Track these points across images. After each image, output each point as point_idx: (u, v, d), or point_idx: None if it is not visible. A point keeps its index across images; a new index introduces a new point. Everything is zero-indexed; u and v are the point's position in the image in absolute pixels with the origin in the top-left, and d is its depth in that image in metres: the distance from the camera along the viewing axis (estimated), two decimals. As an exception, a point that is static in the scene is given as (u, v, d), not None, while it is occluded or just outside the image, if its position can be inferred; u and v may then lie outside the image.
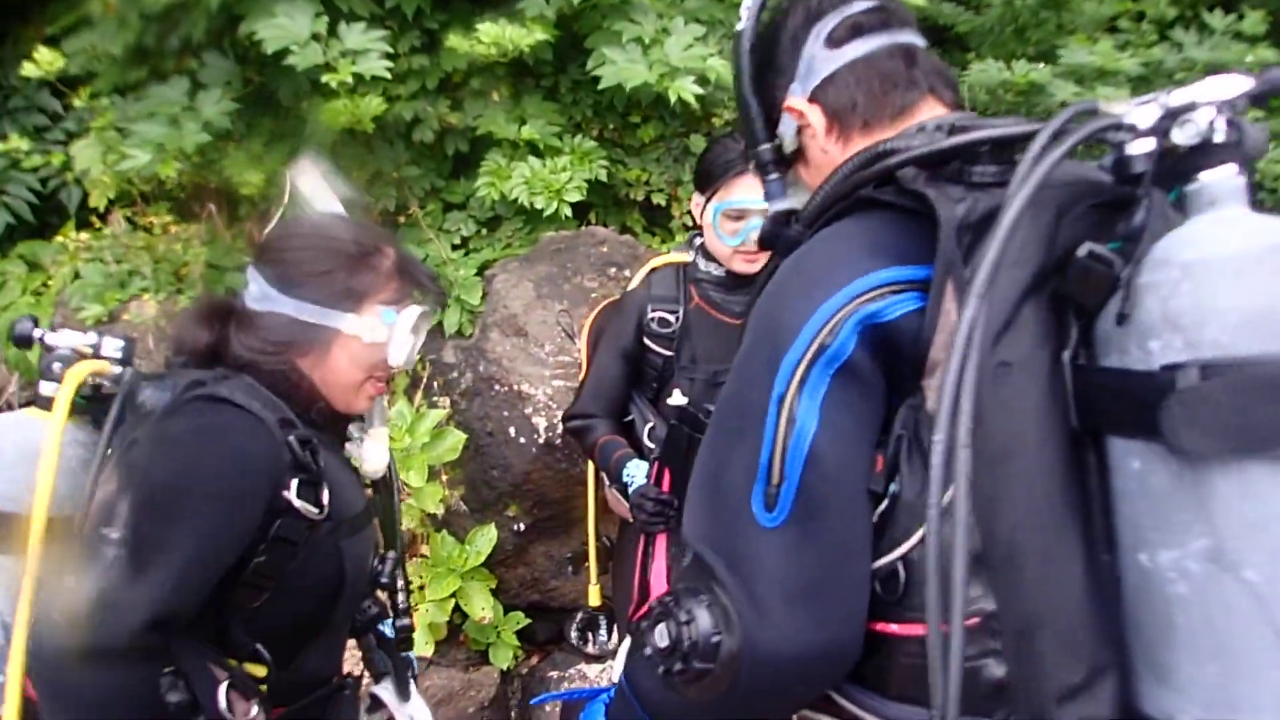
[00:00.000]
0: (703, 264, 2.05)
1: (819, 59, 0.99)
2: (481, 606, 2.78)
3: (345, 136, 3.36)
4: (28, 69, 3.21)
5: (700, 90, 3.05)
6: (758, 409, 0.82)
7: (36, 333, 1.35)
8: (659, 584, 1.95)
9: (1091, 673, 0.76)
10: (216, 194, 3.42)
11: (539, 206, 3.23)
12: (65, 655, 1.08)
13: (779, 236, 0.97)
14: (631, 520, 2.11)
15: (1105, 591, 0.76)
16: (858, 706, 0.86)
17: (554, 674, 2.95)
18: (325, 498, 1.24)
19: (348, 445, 1.47)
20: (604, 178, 3.39)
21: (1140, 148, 0.77)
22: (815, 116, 1.00)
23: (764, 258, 1.93)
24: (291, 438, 1.21)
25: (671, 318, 2.03)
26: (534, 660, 3.08)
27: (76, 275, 3.29)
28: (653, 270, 2.13)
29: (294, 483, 1.20)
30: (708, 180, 1.98)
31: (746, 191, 1.90)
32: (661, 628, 0.82)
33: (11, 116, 3.83)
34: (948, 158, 0.85)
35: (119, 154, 3.11)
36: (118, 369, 1.33)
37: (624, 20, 3.20)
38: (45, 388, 1.33)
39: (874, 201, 0.88)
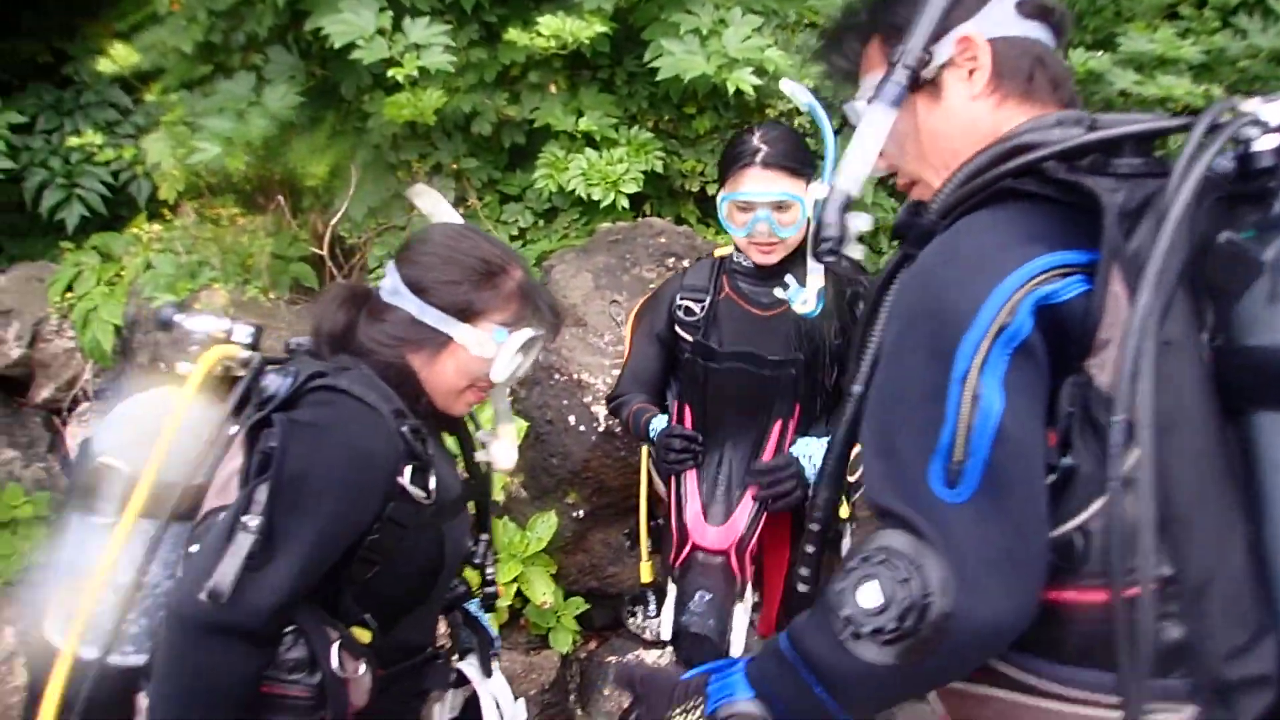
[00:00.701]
0: (736, 255, 2.08)
1: (1008, 15, 1.02)
2: (543, 591, 2.83)
3: (406, 129, 3.43)
4: (103, 65, 3.31)
5: (758, 81, 3.06)
6: (932, 390, 0.85)
7: (177, 318, 1.43)
8: (697, 528, 1.97)
9: (1254, 634, 0.81)
10: (281, 186, 3.49)
11: (596, 198, 3.27)
12: (195, 627, 1.16)
13: (910, 226, 0.99)
14: (665, 494, 2.15)
15: (1257, 558, 0.81)
16: (1028, 673, 0.89)
17: (612, 659, 2.99)
18: (433, 483, 1.32)
19: (478, 444, 1.61)
20: (659, 169, 3.42)
21: (1268, 143, 0.82)
22: (985, 58, 1.01)
23: (778, 250, 1.96)
24: (404, 428, 1.30)
25: (697, 306, 2.06)
26: (592, 645, 3.12)
27: (148, 266, 3.38)
28: (698, 260, 2.17)
29: (407, 470, 1.29)
30: (721, 171, 2.04)
31: (754, 184, 1.93)
32: (871, 586, 0.84)
33: (84, 111, 3.95)
34: (1089, 150, 0.89)
35: (188, 148, 3.20)
36: (246, 353, 1.39)
37: (681, 12, 3.22)
38: (182, 368, 1.41)
39: (1015, 192, 0.91)
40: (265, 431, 1.26)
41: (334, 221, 3.24)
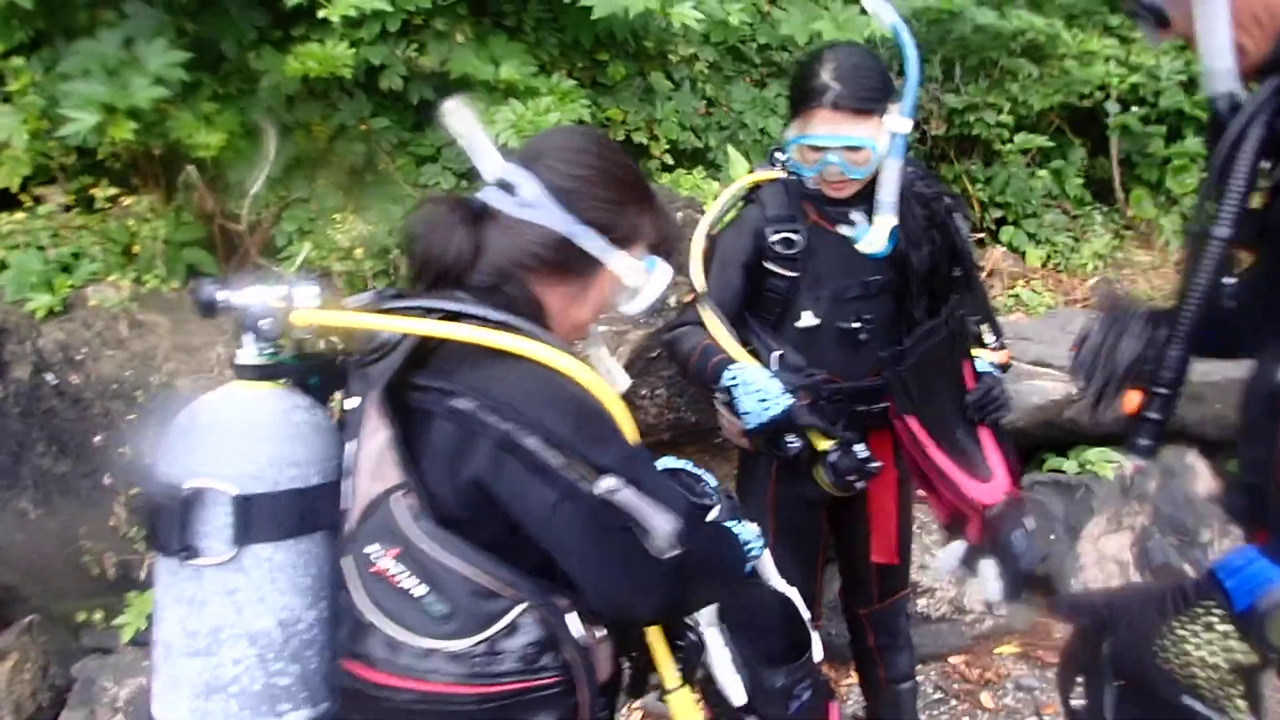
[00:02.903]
0: (809, 181, 1.97)
1: None
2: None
3: (302, 90, 3.07)
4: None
5: (701, 16, 2.97)
6: None
7: (221, 295, 1.17)
8: (981, 491, 1.76)
9: None
10: (159, 161, 3.04)
11: (531, 150, 3.07)
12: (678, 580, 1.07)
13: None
14: (750, 449, 2.04)
15: None
16: None
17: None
18: None
19: None
20: (587, 118, 3.26)
21: None
22: None
23: (852, 186, 1.88)
24: None
25: (796, 237, 1.94)
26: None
27: (2, 266, 2.84)
28: (756, 187, 2.04)
29: None
30: (793, 104, 1.93)
31: (823, 127, 1.84)
32: None
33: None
34: None
35: (51, 119, 2.72)
36: (338, 316, 1.17)
37: (601, -52, 3.06)
38: (246, 354, 1.18)
39: None
40: (417, 395, 1.10)
41: (253, 193, 2.85)
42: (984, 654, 3.01)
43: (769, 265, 1.96)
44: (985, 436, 1.86)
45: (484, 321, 1.09)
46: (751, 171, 2.19)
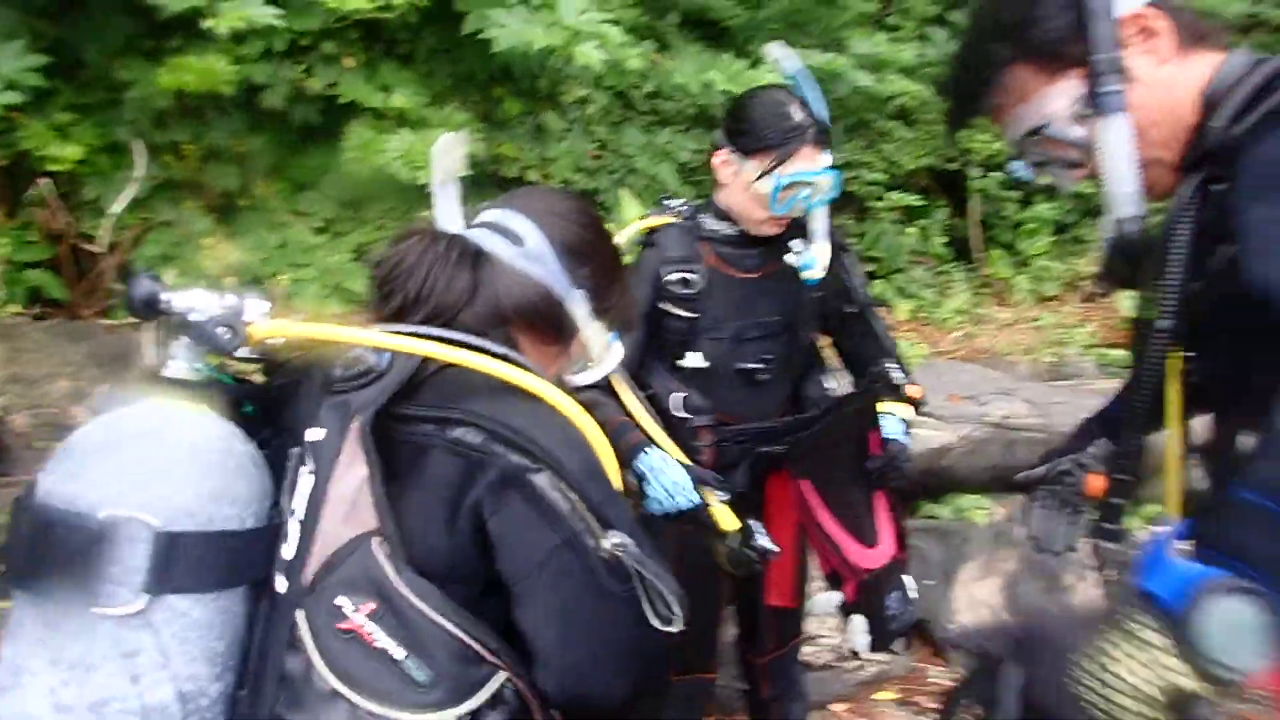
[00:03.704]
0: (711, 223, 1.97)
1: None
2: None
3: (174, 106, 2.88)
4: None
5: (604, 55, 2.96)
6: None
7: (165, 295, 1.00)
8: (864, 557, 1.82)
9: None
10: (5, 173, 2.77)
11: (422, 183, 2.97)
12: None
13: (1223, 145, 0.98)
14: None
15: None
16: None
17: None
18: None
19: None
20: (480, 152, 3.19)
21: None
22: (1159, 22, 1.02)
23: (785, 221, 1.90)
24: None
25: (694, 277, 1.95)
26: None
27: None
28: (652, 231, 2.03)
29: None
30: (760, 144, 1.88)
31: (809, 163, 1.85)
32: None
33: None
34: None
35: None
36: (287, 333, 1.05)
37: (505, -17, 3.02)
38: (179, 368, 1.02)
39: None
40: (407, 428, 0.97)
41: (113, 212, 2.62)
42: (864, 701, 3.04)
43: (666, 306, 1.95)
44: (880, 501, 1.90)
45: (491, 355, 1.00)
46: (644, 216, 2.18)
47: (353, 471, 0.95)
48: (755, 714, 2.33)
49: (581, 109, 3.90)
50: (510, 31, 2.87)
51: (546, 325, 1.11)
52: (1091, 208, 5.63)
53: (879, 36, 5.01)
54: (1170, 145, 1.04)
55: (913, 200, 4.82)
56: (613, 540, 0.93)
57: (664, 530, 2.04)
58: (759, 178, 1.88)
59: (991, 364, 4.41)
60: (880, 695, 3.09)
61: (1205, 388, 1.06)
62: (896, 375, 2.02)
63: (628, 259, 2.05)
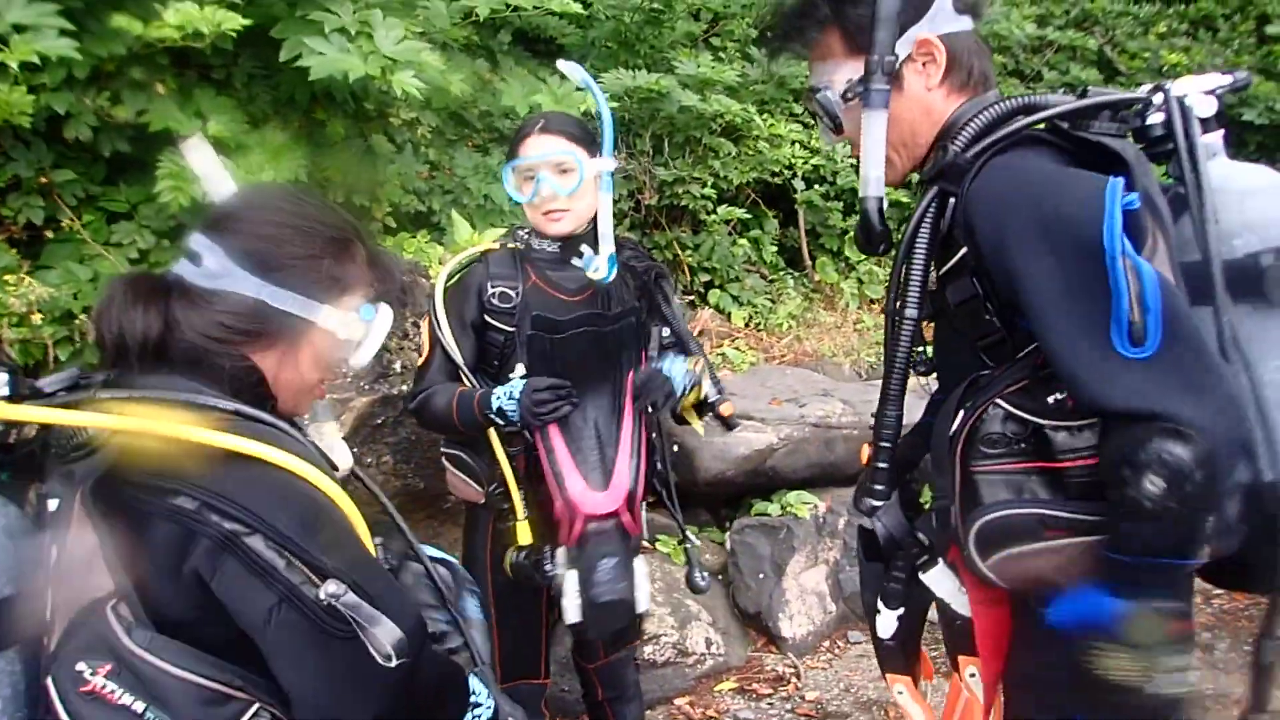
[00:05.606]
0: (536, 244, 2.12)
1: (949, 14, 1.20)
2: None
3: (-34, 136, 2.74)
4: None
5: (422, 84, 3.00)
6: (1093, 274, 1.00)
7: None
8: (586, 500, 1.91)
9: None
10: None
11: (242, 209, 2.92)
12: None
13: (943, 170, 1.15)
14: (482, 498, 2.07)
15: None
16: None
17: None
18: None
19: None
20: (304, 176, 3.17)
21: (1157, 118, 1.12)
22: (941, 56, 1.21)
23: (568, 219, 2.04)
24: None
25: (512, 293, 2.07)
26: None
27: None
28: (486, 252, 2.15)
29: None
30: (509, 153, 2.11)
31: (534, 148, 2.04)
32: (1149, 478, 0.96)
33: None
34: (1084, 115, 1.12)
35: None
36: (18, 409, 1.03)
37: (319, 9, 3.02)
38: None
39: (1035, 139, 1.12)
40: (131, 494, 1.02)
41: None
42: (705, 693, 3.19)
43: (489, 319, 2.06)
44: (625, 438, 2.02)
45: (216, 411, 1.04)
46: (477, 236, 2.29)
47: (84, 539, 1.00)
48: (594, 715, 2.44)
49: (412, 130, 3.92)
50: (327, 60, 2.87)
51: (257, 334, 1.14)
52: (906, 215, 6.03)
53: (704, 57, 5.24)
54: (901, 153, 1.25)
55: (740, 213, 5.06)
56: (328, 590, 0.99)
57: (484, 545, 2.12)
58: (504, 175, 2.08)
59: (817, 366, 4.68)
60: (721, 686, 3.25)
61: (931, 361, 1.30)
62: (707, 388, 2.18)
63: (460, 274, 2.13)
